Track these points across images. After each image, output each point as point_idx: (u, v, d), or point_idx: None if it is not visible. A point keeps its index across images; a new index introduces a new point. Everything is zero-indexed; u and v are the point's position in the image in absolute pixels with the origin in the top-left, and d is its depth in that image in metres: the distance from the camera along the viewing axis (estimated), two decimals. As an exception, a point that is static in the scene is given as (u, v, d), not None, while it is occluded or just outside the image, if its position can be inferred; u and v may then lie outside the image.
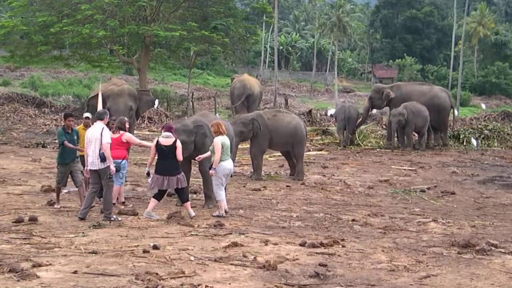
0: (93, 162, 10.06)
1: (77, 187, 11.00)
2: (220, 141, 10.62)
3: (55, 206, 10.75)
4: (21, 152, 18.77)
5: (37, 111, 30.04)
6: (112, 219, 9.79)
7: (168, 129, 10.48)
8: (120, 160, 10.91)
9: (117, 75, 46.99)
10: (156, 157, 10.38)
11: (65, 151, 10.81)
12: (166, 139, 10.29)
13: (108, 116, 10.65)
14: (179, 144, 10.35)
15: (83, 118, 12.20)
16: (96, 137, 10.00)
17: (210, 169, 10.67)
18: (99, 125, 10.21)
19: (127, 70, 51.52)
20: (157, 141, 10.29)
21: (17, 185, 13.06)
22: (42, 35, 28.41)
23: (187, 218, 10.16)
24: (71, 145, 10.79)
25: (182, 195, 10.63)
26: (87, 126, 11.73)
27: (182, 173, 10.45)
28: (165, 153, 10.25)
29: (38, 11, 29.19)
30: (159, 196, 10.51)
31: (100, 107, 12.56)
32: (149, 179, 10.56)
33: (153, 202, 10.41)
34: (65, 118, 11.17)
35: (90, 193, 10.13)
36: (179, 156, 10.33)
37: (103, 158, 9.95)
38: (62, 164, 10.85)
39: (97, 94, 14.56)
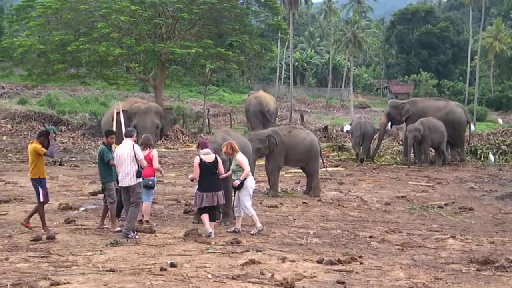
0: (124, 179, 10.16)
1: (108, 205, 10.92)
2: (244, 157, 10.72)
3: (113, 229, 10.53)
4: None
5: (54, 129, 30.22)
6: (130, 236, 9.81)
7: (205, 145, 10.55)
8: (153, 178, 11.07)
9: (133, 92, 47.33)
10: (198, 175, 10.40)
11: (113, 169, 10.67)
12: (208, 155, 10.39)
13: (136, 134, 10.72)
14: (220, 160, 10.51)
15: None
16: (129, 154, 10.11)
17: (237, 184, 10.70)
18: (129, 143, 10.31)
19: (143, 88, 51.78)
20: (200, 159, 10.31)
21: (35, 203, 13.09)
22: (59, 53, 28.66)
23: (204, 235, 10.15)
24: (115, 163, 10.63)
25: (214, 212, 10.65)
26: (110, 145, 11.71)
27: None
28: (210, 169, 10.34)
29: (55, 30, 29.46)
30: (205, 211, 10.46)
31: (115, 125, 12.47)
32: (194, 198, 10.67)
33: (206, 217, 10.40)
34: (107, 135, 11.00)
35: (132, 207, 10.23)
36: (222, 170, 10.51)
37: (139, 175, 10.07)
38: (111, 182, 10.71)
39: (123, 111, 14.50)
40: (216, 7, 29.71)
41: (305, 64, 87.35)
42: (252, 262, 8.31)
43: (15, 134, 28.47)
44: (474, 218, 13.16)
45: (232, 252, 9.03)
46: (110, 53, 27.44)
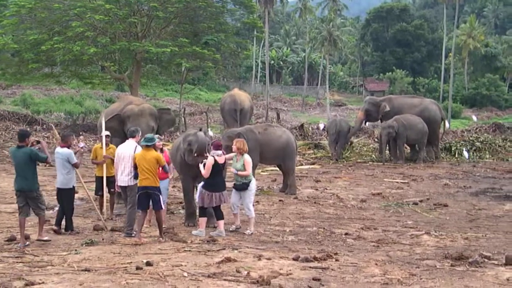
0: (122, 179, 10.28)
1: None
2: (250, 159, 10.89)
3: (42, 237, 9.68)
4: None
5: (28, 128, 29.96)
6: (132, 235, 9.84)
7: (218, 147, 10.62)
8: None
9: (109, 91, 47.04)
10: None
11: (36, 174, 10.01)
12: (220, 157, 10.47)
13: (139, 134, 10.69)
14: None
15: (103, 137, 12.11)
16: (129, 154, 10.18)
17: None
18: (131, 143, 10.37)
19: (118, 87, 51.44)
20: (215, 160, 10.36)
21: (10, 203, 13.03)
22: (33, 52, 28.42)
23: (180, 234, 10.16)
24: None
25: (221, 211, 10.71)
26: (106, 145, 11.85)
27: None
28: (220, 170, 10.48)
29: (29, 29, 29.20)
30: (205, 213, 10.55)
31: (103, 128, 12.39)
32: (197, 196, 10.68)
33: (204, 220, 10.49)
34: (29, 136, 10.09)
35: (130, 209, 10.25)
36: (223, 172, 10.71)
37: (136, 175, 10.04)
38: (39, 188, 10.03)
39: (115, 115, 14.44)
40: (192, 6, 29.63)
41: (281, 62, 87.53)
42: (228, 260, 8.32)
43: (-11, 134, 28.18)
44: (449, 214, 13.27)
45: (208, 251, 9.03)
46: (85, 52, 27.26)
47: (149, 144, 9.91)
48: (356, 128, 25.82)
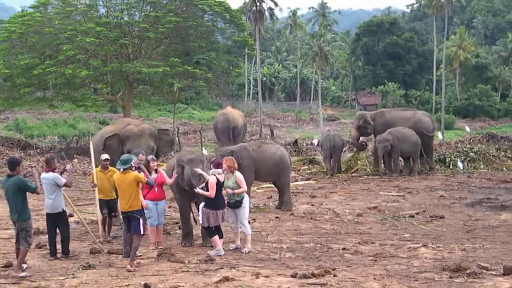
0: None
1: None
2: (242, 175, 10.91)
3: (17, 274, 9.01)
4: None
5: (22, 153, 29.88)
6: (139, 255, 9.82)
7: (219, 165, 10.65)
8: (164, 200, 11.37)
9: (102, 113, 47.06)
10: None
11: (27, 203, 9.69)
12: (220, 175, 10.50)
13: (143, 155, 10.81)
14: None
15: (102, 160, 12.11)
16: None
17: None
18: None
19: (111, 108, 51.55)
20: (217, 179, 10.39)
21: (5, 229, 12.97)
22: (25, 77, 28.48)
23: (177, 254, 10.13)
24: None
25: (220, 229, 10.71)
26: (105, 168, 11.76)
27: None
28: (221, 188, 10.52)
29: (20, 53, 29.29)
30: (216, 231, 10.53)
31: (92, 156, 12.34)
32: (200, 217, 10.65)
33: (217, 238, 10.46)
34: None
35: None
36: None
37: None
38: (30, 219, 9.65)
39: (115, 134, 14.41)
40: (182, 26, 29.78)
41: (273, 79, 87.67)
42: (226, 279, 8.30)
43: (-17, 160, 28.09)
44: (445, 226, 13.28)
45: (206, 270, 9.01)
46: (77, 75, 27.34)
47: (125, 167, 9.83)
48: (359, 147, 25.70)
